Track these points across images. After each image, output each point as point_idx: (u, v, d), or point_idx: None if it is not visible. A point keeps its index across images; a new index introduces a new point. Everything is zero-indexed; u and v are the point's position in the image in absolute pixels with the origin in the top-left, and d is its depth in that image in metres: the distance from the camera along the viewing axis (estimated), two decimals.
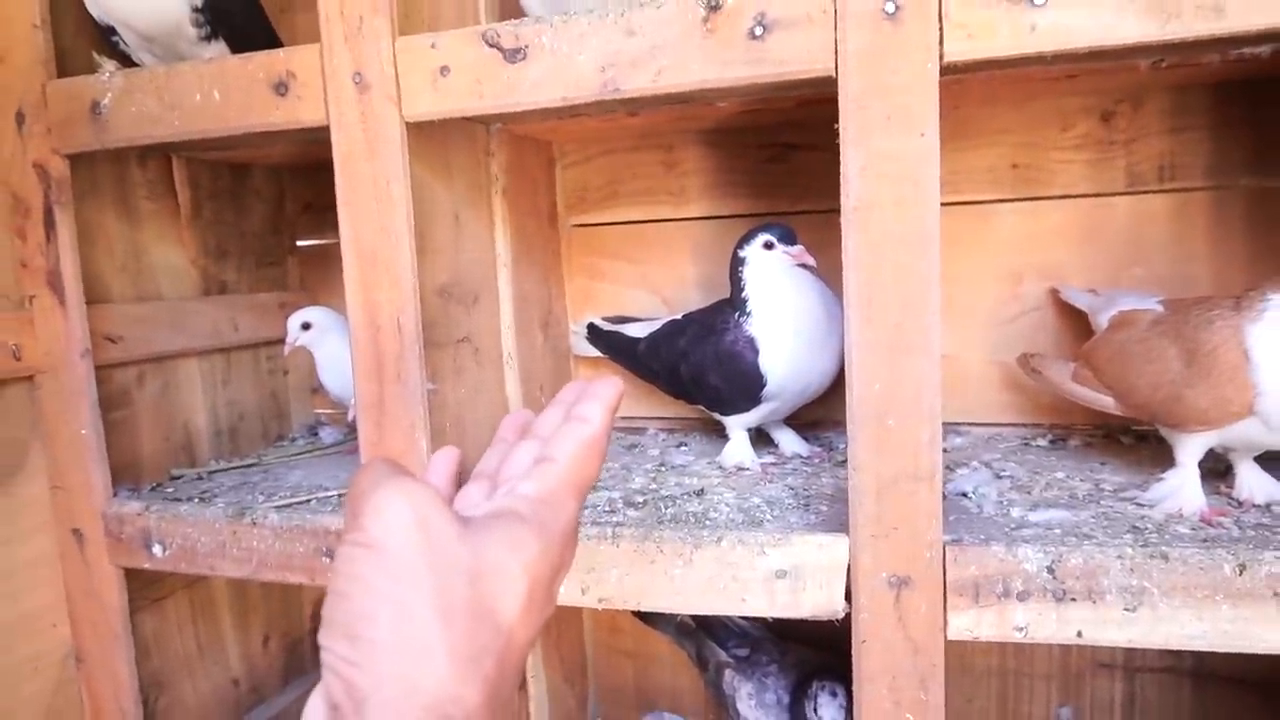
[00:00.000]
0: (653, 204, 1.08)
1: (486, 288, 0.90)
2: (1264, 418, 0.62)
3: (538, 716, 0.98)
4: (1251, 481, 0.70)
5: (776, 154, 1.03)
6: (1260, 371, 0.61)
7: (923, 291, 0.59)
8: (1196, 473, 0.69)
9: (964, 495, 0.76)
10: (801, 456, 0.93)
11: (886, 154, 0.59)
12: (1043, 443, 0.93)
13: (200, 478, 1.01)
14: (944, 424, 0.69)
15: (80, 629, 0.89)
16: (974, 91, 0.86)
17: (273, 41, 0.91)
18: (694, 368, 0.90)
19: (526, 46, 0.66)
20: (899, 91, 0.58)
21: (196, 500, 0.88)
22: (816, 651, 0.97)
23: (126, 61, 0.84)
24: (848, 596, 0.64)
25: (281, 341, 1.06)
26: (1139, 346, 0.72)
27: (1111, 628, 0.59)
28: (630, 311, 1.08)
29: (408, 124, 0.70)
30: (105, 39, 0.83)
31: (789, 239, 0.84)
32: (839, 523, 0.65)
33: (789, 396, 0.87)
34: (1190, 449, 0.69)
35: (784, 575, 0.65)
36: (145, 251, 0.99)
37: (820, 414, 1.00)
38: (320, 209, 1.24)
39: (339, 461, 1.06)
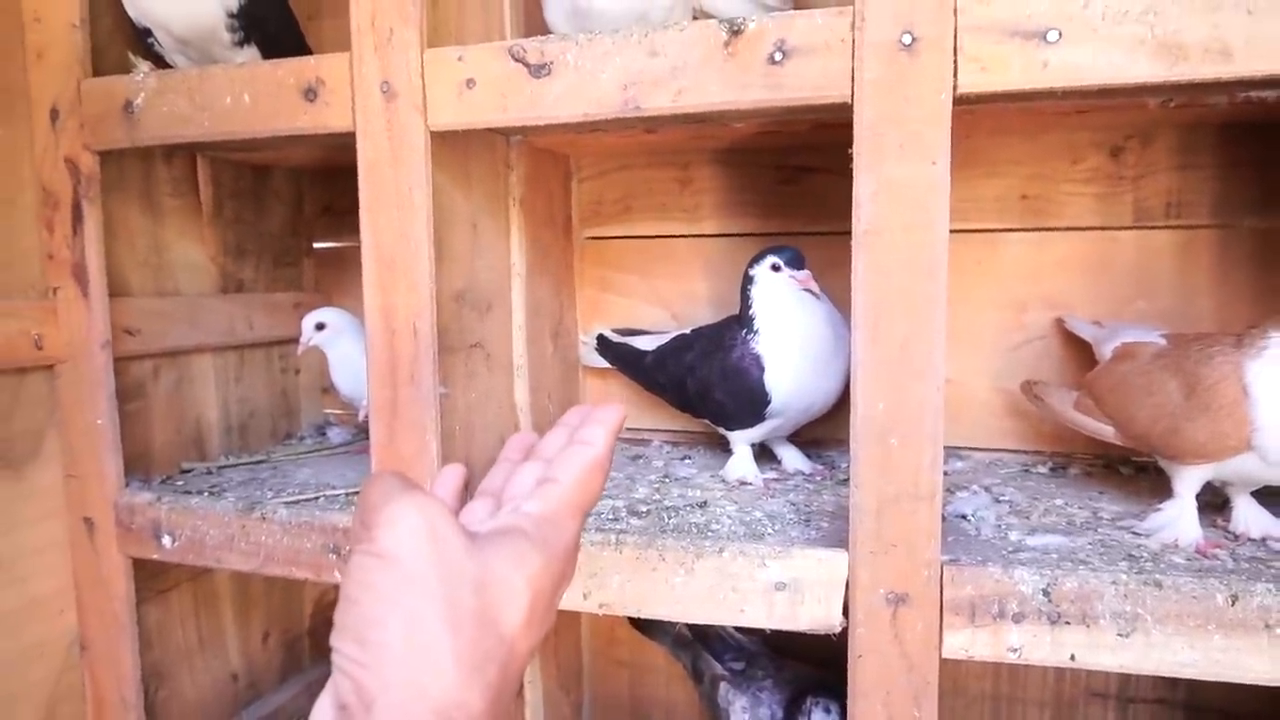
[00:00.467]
0: (666, 220, 1.10)
1: (500, 295, 0.92)
2: (1261, 453, 0.63)
3: None
4: (1248, 515, 0.71)
5: (790, 176, 1.04)
6: (1258, 408, 0.62)
7: (929, 316, 0.60)
8: (1194, 504, 0.70)
9: (963, 517, 0.77)
10: (804, 473, 0.94)
11: (898, 181, 0.60)
12: (1043, 470, 0.94)
13: (210, 472, 1.02)
14: (946, 447, 0.70)
15: (87, 617, 0.91)
16: (986, 122, 0.87)
17: (303, 48, 0.93)
18: (700, 382, 0.92)
19: (551, 62, 0.68)
20: (912, 121, 0.60)
21: (206, 494, 0.89)
22: (812, 668, 0.98)
23: (160, 63, 0.86)
24: (845, 612, 0.65)
25: (294, 341, 1.07)
26: (1141, 379, 0.73)
27: (1105, 653, 0.60)
28: (639, 325, 1.10)
29: (432, 133, 0.72)
30: (141, 40, 0.85)
31: (796, 263, 0.85)
32: (839, 539, 0.67)
33: (792, 414, 0.88)
34: (1188, 481, 0.70)
35: (783, 588, 0.66)
36: (166, 247, 1.01)
37: (823, 432, 1.02)
38: (338, 212, 1.26)
39: (346, 461, 1.08)
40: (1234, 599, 0.57)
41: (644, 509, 0.81)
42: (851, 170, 0.61)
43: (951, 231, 0.60)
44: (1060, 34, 0.57)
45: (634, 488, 0.89)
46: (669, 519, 0.77)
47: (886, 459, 0.62)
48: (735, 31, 0.63)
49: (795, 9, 0.96)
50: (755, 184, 1.06)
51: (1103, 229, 0.95)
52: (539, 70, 0.68)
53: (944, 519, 0.76)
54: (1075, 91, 0.58)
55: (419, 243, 0.73)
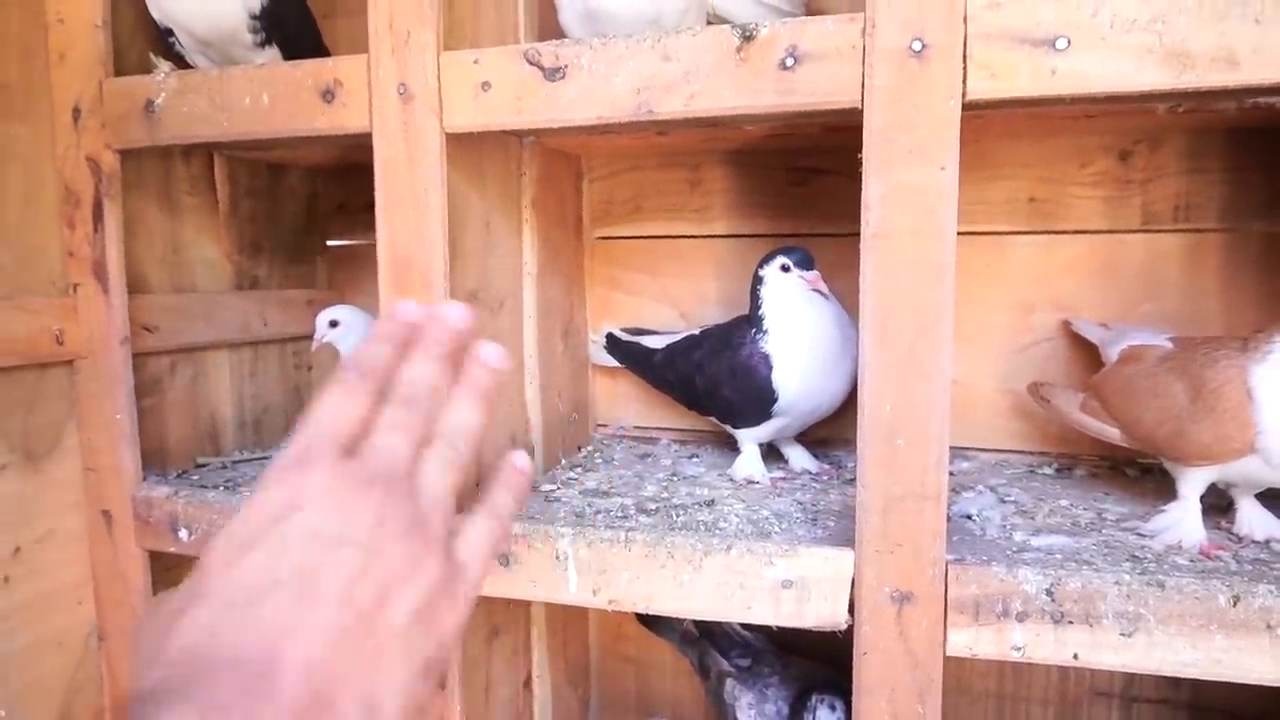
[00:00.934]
0: (676, 220, 1.10)
1: (512, 294, 0.93)
2: (1264, 455, 0.64)
3: (541, 716, 1.01)
4: (1252, 518, 0.72)
5: (800, 177, 1.05)
6: (1263, 411, 0.63)
7: (936, 318, 0.61)
8: (1198, 506, 0.71)
9: (969, 517, 0.78)
10: (811, 473, 0.95)
11: (907, 185, 0.61)
12: (1049, 471, 0.95)
13: (225, 466, 1.03)
14: (952, 448, 0.70)
15: (104, 608, 0.92)
16: (995, 126, 0.88)
17: (322, 49, 0.94)
18: (709, 380, 0.93)
19: (566, 66, 0.69)
20: (922, 126, 0.60)
21: (222, 488, 0.91)
22: (818, 665, 0.99)
23: (181, 63, 0.88)
24: (851, 609, 0.66)
25: (308, 338, 1.08)
26: (1146, 381, 0.74)
27: (1107, 652, 0.61)
28: (649, 324, 1.11)
29: (447, 135, 0.73)
30: (163, 40, 0.86)
31: (805, 264, 0.86)
32: (845, 538, 0.68)
33: (800, 413, 0.89)
34: (1192, 483, 0.71)
35: (790, 585, 0.67)
36: (184, 245, 1.03)
37: (830, 432, 1.03)
38: (352, 210, 1.28)
39: None
40: (1236, 600, 0.58)
41: (653, 507, 0.82)
42: (861, 173, 0.62)
43: (960, 234, 0.61)
44: (1069, 42, 0.58)
45: (643, 486, 0.90)
46: (677, 517, 0.78)
47: (893, 459, 0.63)
48: (748, 37, 0.64)
49: (808, 14, 0.97)
50: (765, 185, 1.07)
51: (1111, 232, 0.95)
52: (554, 73, 0.70)
53: (949, 519, 0.76)
54: (1083, 99, 0.59)
55: (434, 242, 0.74)
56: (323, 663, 0.32)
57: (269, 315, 1.15)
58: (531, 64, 0.70)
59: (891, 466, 0.63)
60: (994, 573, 0.63)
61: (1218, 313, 0.93)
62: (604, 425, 1.17)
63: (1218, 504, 0.75)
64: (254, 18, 0.82)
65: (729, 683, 1.00)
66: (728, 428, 0.96)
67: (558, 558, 0.72)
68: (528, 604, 0.98)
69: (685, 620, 1.06)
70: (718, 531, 0.74)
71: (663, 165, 1.10)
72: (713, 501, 0.84)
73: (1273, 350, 0.64)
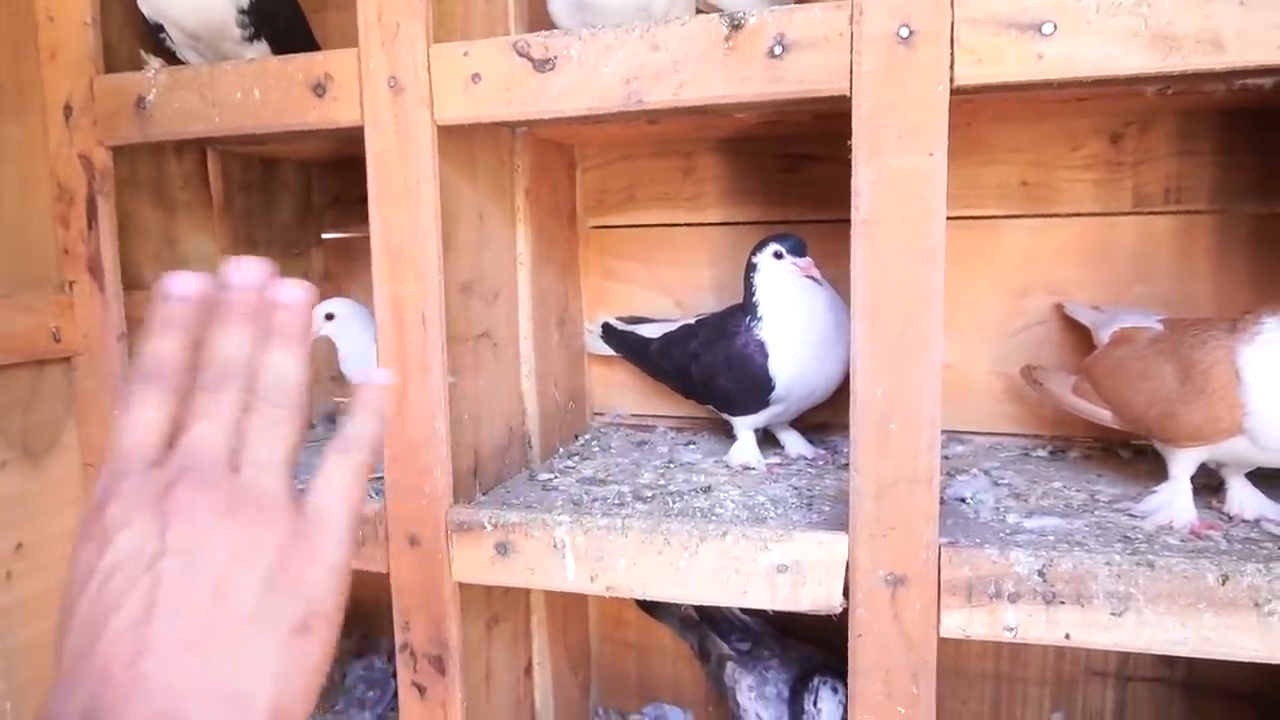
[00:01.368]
0: (670, 208, 1.11)
1: (507, 285, 0.93)
2: (1253, 436, 0.65)
3: (542, 702, 1.02)
4: (1242, 497, 0.73)
5: (792, 164, 1.05)
6: (1250, 391, 0.64)
7: (926, 303, 0.62)
8: (1188, 487, 0.72)
9: (962, 500, 0.79)
10: (806, 458, 0.96)
11: (896, 171, 0.61)
12: (1042, 453, 0.95)
13: None
14: (946, 432, 0.71)
15: None
16: (986, 110, 0.88)
17: (312, 44, 0.94)
18: (705, 368, 0.93)
19: (555, 57, 0.69)
20: (910, 112, 0.61)
21: None
22: (817, 648, 1.00)
23: (171, 59, 0.88)
24: (846, 593, 0.66)
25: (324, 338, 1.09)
26: (1137, 363, 0.74)
27: (1098, 631, 0.62)
28: (644, 312, 1.11)
29: (439, 127, 0.74)
30: (153, 36, 0.86)
31: (798, 250, 0.87)
32: (840, 522, 0.68)
33: (795, 399, 0.90)
34: (1183, 464, 0.72)
35: (785, 570, 0.68)
36: (179, 240, 1.03)
37: (826, 418, 1.03)
38: (347, 203, 1.28)
39: None
40: (1224, 579, 0.59)
41: (649, 494, 0.82)
42: (851, 160, 0.63)
43: (952, 218, 0.62)
44: (1055, 26, 0.58)
45: (639, 473, 0.91)
46: (674, 503, 0.79)
47: (885, 444, 0.64)
48: (735, 26, 0.65)
49: (795, 2, 0.97)
50: (757, 172, 1.07)
51: (1102, 215, 0.96)
52: (543, 65, 0.70)
53: (943, 502, 0.77)
54: (1070, 83, 0.59)
55: (427, 234, 0.75)
56: (161, 683, 0.32)
57: None
58: (521, 55, 0.70)
59: (884, 451, 0.64)
60: (986, 555, 0.63)
61: (1209, 294, 0.93)
62: (600, 414, 1.17)
63: (1209, 484, 0.76)
64: (243, 12, 0.82)
65: (729, 666, 1.01)
66: (724, 415, 0.96)
67: (555, 545, 0.73)
68: (527, 591, 0.99)
69: (684, 605, 1.06)
70: (714, 517, 0.74)
71: (655, 154, 1.10)
72: (709, 488, 0.84)
73: (1261, 331, 0.64)
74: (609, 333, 1.08)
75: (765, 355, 0.87)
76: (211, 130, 0.81)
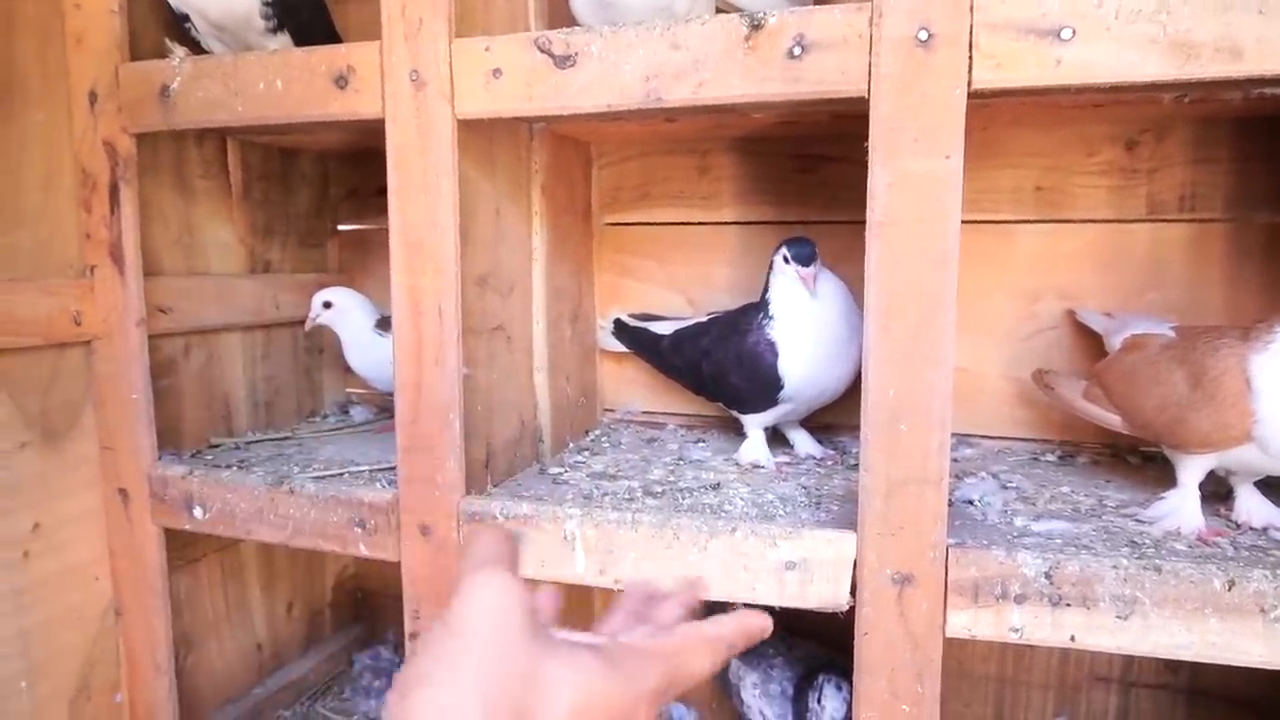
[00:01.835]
0: (684, 207, 1.11)
1: (521, 279, 0.94)
2: (1262, 444, 0.65)
3: None
4: (1250, 505, 0.73)
5: (807, 164, 1.06)
6: (1261, 399, 0.64)
7: (939, 306, 0.62)
8: (1197, 493, 0.72)
9: (970, 503, 0.79)
10: (815, 458, 0.96)
11: (912, 174, 0.62)
12: (1051, 458, 0.96)
13: (238, 447, 1.05)
14: (956, 434, 0.71)
15: (121, 584, 0.94)
16: (1003, 114, 0.89)
17: (334, 36, 0.95)
18: (715, 366, 0.94)
19: (576, 54, 0.70)
20: (927, 115, 0.61)
21: (236, 467, 0.92)
22: (822, 646, 1.01)
23: (195, 48, 0.89)
24: (853, 591, 0.67)
25: (323, 326, 1.11)
26: (1148, 369, 0.75)
27: (1103, 634, 0.62)
28: (656, 310, 1.12)
29: (459, 121, 0.74)
30: (179, 25, 0.87)
31: (802, 258, 0.86)
32: (848, 521, 0.69)
33: (805, 399, 0.90)
34: (1192, 470, 0.72)
35: (793, 567, 0.68)
36: (198, 228, 1.04)
37: (835, 418, 1.04)
38: (363, 195, 1.29)
39: (369, 439, 1.11)
40: (1230, 584, 0.59)
41: (659, 489, 0.83)
42: (867, 161, 0.63)
43: (966, 222, 0.62)
44: (1074, 32, 0.58)
45: (649, 469, 0.92)
46: (683, 500, 0.79)
47: (896, 444, 0.64)
48: (755, 26, 0.65)
49: (815, 2, 0.97)
50: (773, 172, 1.07)
51: (1116, 221, 0.96)
52: (564, 61, 0.70)
53: (951, 504, 0.78)
54: (1088, 89, 0.60)
55: (445, 228, 0.75)
56: None
57: (281, 298, 1.17)
58: (542, 52, 0.71)
59: (894, 451, 0.64)
60: (993, 556, 0.64)
61: (1221, 302, 0.93)
62: (611, 410, 1.18)
63: (1217, 491, 0.76)
64: (266, 4, 0.83)
65: (734, 663, 1.02)
66: (734, 413, 0.97)
67: (566, 538, 0.74)
68: (535, 583, 1.00)
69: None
70: (723, 514, 0.75)
71: (671, 152, 1.10)
72: (718, 485, 0.85)
73: (1272, 340, 0.64)
74: (621, 329, 1.09)
75: (775, 354, 0.88)
76: (234, 120, 0.82)
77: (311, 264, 1.25)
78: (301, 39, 0.87)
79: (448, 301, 0.76)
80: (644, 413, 1.17)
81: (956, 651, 1.02)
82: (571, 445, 1.03)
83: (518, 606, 0.38)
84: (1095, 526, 0.72)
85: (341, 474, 0.90)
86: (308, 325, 1.09)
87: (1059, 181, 0.97)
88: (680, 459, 0.97)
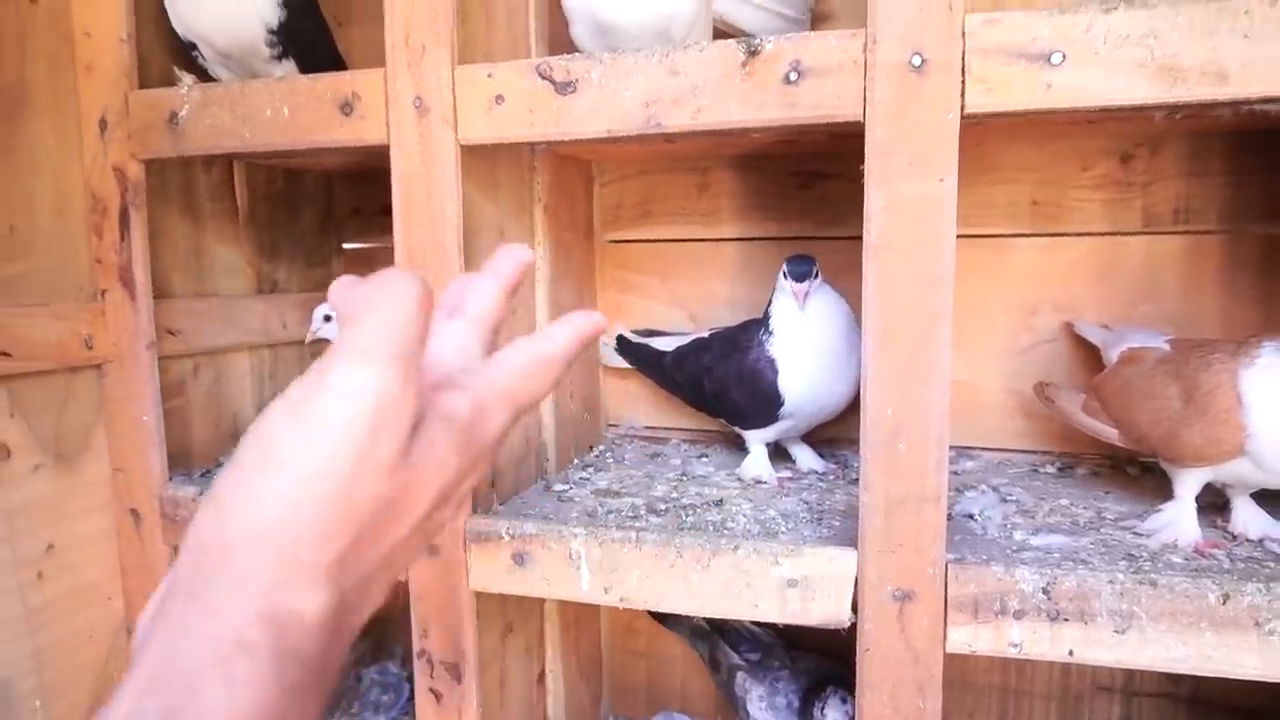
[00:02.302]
0: (685, 224, 1.13)
1: (524, 299, 0.95)
2: (1254, 458, 0.66)
3: (554, 709, 1.03)
4: (1246, 517, 0.74)
5: (807, 181, 1.07)
6: (1252, 414, 0.65)
7: (935, 326, 0.63)
8: (1193, 506, 0.73)
9: (970, 517, 0.80)
10: (817, 473, 0.97)
11: (907, 197, 0.63)
12: (1051, 470, 0.97)
13: None
14: (957, 447, 0.71)
15: (133, 603, 0.95)
16: (998, 130, 0.90)
17: (338, 61, 0.97)
18: (717, 383, 0.95)
19: (577, 80, 0.71)
20: (921, 139, 0.62)
21: None
22: (827, 660, 1.01)
23: (203, 75, 0.90)
24: (854, 607, 0.68)
25: (325, 340, 1.12)
26: (1143, 383, 0.76)
27: (1101, 648, 0.63)
28: (658, 326, 1.13)
29: (462, 147, 0.76)
30: (186, 53, 0.89)
31: (796, 274, 0.87)
32: (849, 537, 0.70)
33: (805, 415, 0.91)
34: (1187, 483, 0.73)
35: (795, 584, 0.69)
36: (206, 250, 1.06)
37: (837, 432, 1.05)
38: (367, 213, 1.30)
39: None
40: (1225, 598, 0.60)
41: (663, 507, 0.84)
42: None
43: (964, 236, 0.63)
44: (1064, 56, 0.60)
45: (653, 485, 0.93)
46: (686, 516, 0.81)
47: (895, 462, 0.65)
48: (752, 52, 0.66)
49: (813, 20, 0.99)
50: (772, 189, 1.09)
51: (1112, 234, 0.97)
52: (565, 87, 0.72)
53: (952, 518, 0.79)
54: (1078, 112, 0.61)
55: (449, 251, 0.77)
56: None
57: (288, 317, 1.18)
58: (543, 78, 0.72)
59: (893, 469, 0.65)
60: (992, 572, 0.65)
61: (1217, 314, 0.94)
62: (615, 424, 1.19)
63: (1215, 503, 0.77)
64: (272, 32, 0.85)
65: (740, 676, 1.02)
66: (735, 428, 0.98)
67: (571, 557, 0.75)
68: (541, 601, 1.01)
69: (696, 615, 1.08)
70: (725, 531, 0.76)
71: (672, 169, 1.12)
72: (721, 501, 0.86)
73: (1261, 355, 0.65)
74: (624, 345, 1.10)
75: (775, 371, 0.89)
76: (242, 146, 0.83)
77: (318, 283, 1.26)
78: (307, 65, 0.89)
79: None
80: (647, 427, 1.18)
81: (959, 662, 1.02)
82: (576, 461, 1.04)
83: (393, 414, 0.31)
84: (1094, 539, 0.73)
85: None
86: (308, 338, 1.11)
87: (1054, 195, 0.98)
88: (684, 474, 0.98)
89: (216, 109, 0.83)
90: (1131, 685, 1.01)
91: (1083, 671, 1.03)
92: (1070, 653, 0.63)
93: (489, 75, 0.74)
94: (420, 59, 0.75)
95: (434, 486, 0.34)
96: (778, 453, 1.01)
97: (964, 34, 0.61)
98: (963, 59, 0.61)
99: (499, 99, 0.74)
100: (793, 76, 0.66)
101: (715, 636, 1.07)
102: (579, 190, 1.09)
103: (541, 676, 1.02)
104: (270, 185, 1.17)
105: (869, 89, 0.64)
